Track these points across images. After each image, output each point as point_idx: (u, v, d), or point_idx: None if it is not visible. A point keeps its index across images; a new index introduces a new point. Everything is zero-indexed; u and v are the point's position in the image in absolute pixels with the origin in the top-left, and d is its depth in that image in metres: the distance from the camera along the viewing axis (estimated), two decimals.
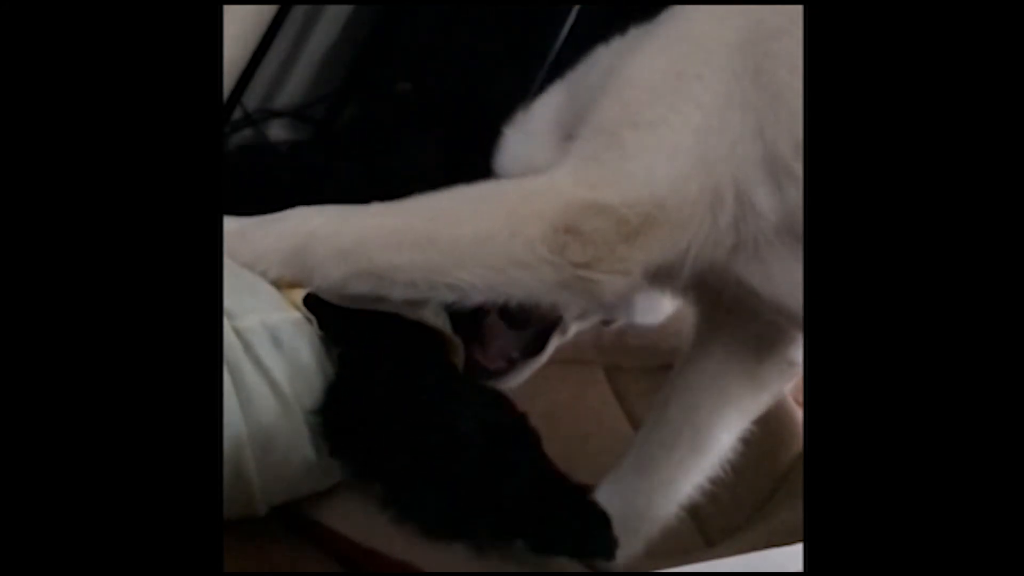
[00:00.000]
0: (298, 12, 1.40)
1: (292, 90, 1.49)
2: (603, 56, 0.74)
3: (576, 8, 1.18)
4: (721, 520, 0.95)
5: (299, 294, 0.63)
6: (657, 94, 0.63)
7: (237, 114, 1.38)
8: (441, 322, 0.69)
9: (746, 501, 0.96)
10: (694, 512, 0.91)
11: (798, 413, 1.02)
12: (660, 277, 0.63)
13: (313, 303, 0.63)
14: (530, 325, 0.87)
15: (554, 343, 0.88)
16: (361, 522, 0.66)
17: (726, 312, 0.76)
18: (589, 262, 0.59)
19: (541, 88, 1.20)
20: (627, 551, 0.78)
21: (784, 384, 0.82)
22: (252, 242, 0.64)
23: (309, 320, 0.62)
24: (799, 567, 0.63)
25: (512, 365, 0.88)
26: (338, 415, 0.62)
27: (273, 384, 0.59)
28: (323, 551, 0.67)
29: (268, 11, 1.32)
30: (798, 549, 0.65)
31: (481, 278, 0.60)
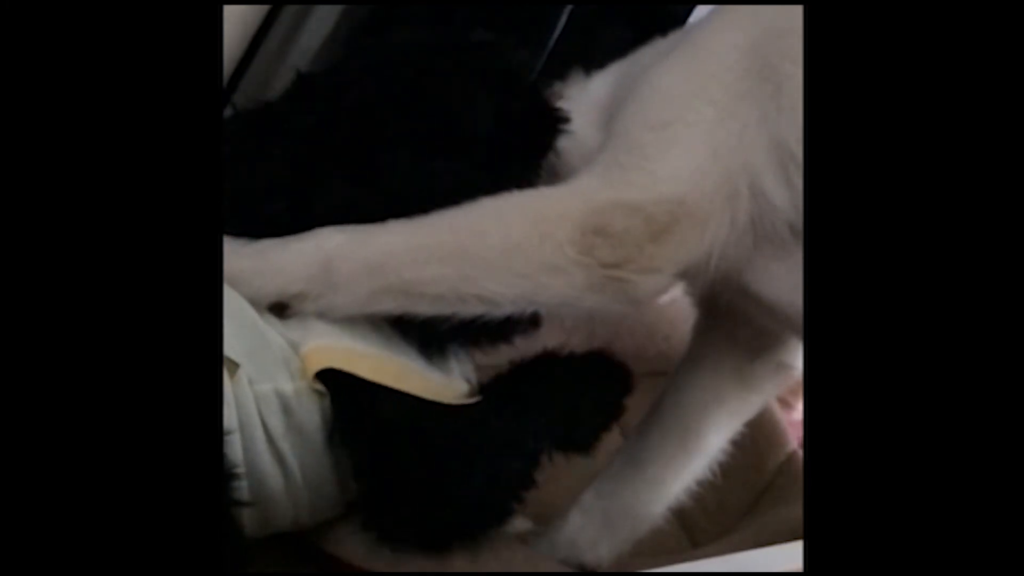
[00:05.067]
0: (288, 11, 1.39)
1: (282, 89, 1.48)
2: (645, 55, 0.75)
3: (568, 8, 1.18)
4: (707, 524, 0.95)
5: (314, 361, 0.60)
6: (672, 96, 0.64)
7: (227, 112, 1.38)
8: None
9: (732, 506, 0.96)
10: (681, 516, 0.91)
11: (783, 419, 1.02)
12: (687, 279, 0.64)
13: (327, 379, 0.61)
14: None
15: None
16: (360, 550, 0.65)
17: (721, 314, 0.77)
18: (619, 262, 0.59)
19: None
20: (614, 550, 0.78)
21: (775, 386, 0.82)
22: (272, 259, 0.62)
23: (321, 394, 0.60)
24: (783, 567, 0.63)
25: None
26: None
27: (277, 453, 0.58)
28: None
29: (259, 11, 1.32)
30: (782, 549, 0.65)
31: (511, 287, 0.59)
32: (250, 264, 0.61)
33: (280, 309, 0.62)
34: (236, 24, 1.31)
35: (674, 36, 0.75)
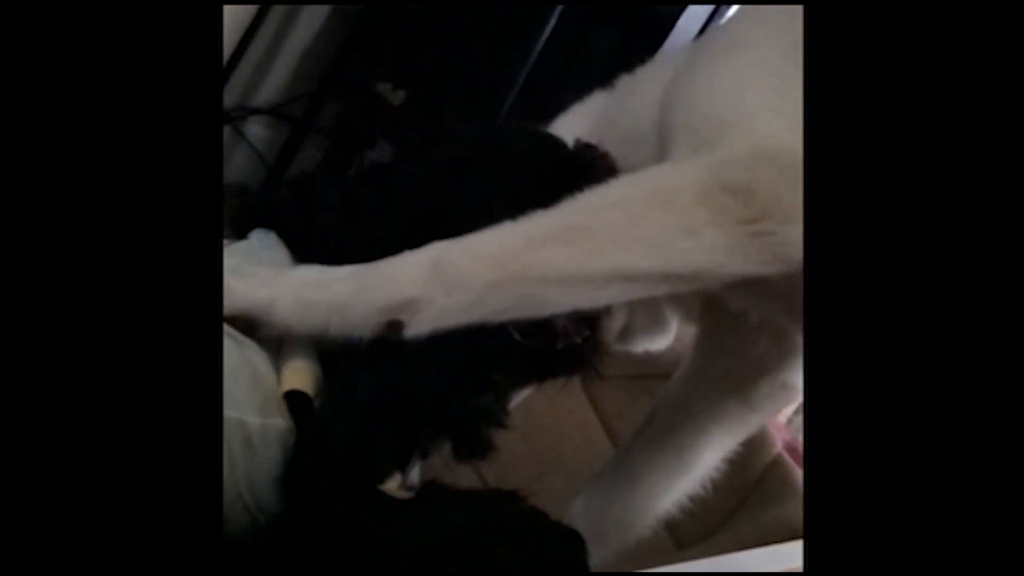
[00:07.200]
0: (277, 11, 1.39)
1: (271, 88, 1.48)
2: (638, 81, 0.73)
3: (559, 8, 1.18)
4: (693, 525, 0.95)
5: (288, 381, 0.57)
6: (731, 78, 0.61)
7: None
8: None
9: (717, 507, 0.96)
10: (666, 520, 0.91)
11: (769, 422, 1.02)
12: None
13: (295, 404, 0.57)
14: None
15: None
16: None
17: (728, 332, 0.76)
18: (758, 216, 0.52)
19: (524, 88, 1.22)
20: (600, 560, 0.78)
21: (776, 406, 0.80)
22: (378, 272, 0.57)
23: (290, 431, 0.57)
24: (783, 567, 0.63)
25: None
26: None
27: (235, 481, 0.56)
28: None
29: (248, 10, 1.32)
30: (782, 549, 0.65)
31: (644, 257, 0.53)
32: (353, 285, 0.56)
33: (395, 329, 0.56)
34: (226, 23, 1.30)
35: (664, 57, 0.74)
